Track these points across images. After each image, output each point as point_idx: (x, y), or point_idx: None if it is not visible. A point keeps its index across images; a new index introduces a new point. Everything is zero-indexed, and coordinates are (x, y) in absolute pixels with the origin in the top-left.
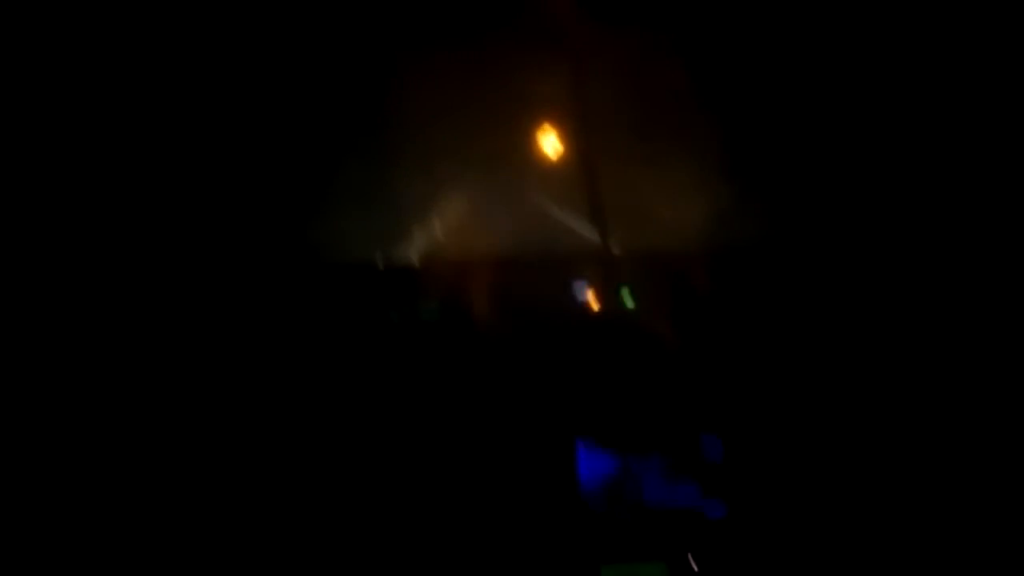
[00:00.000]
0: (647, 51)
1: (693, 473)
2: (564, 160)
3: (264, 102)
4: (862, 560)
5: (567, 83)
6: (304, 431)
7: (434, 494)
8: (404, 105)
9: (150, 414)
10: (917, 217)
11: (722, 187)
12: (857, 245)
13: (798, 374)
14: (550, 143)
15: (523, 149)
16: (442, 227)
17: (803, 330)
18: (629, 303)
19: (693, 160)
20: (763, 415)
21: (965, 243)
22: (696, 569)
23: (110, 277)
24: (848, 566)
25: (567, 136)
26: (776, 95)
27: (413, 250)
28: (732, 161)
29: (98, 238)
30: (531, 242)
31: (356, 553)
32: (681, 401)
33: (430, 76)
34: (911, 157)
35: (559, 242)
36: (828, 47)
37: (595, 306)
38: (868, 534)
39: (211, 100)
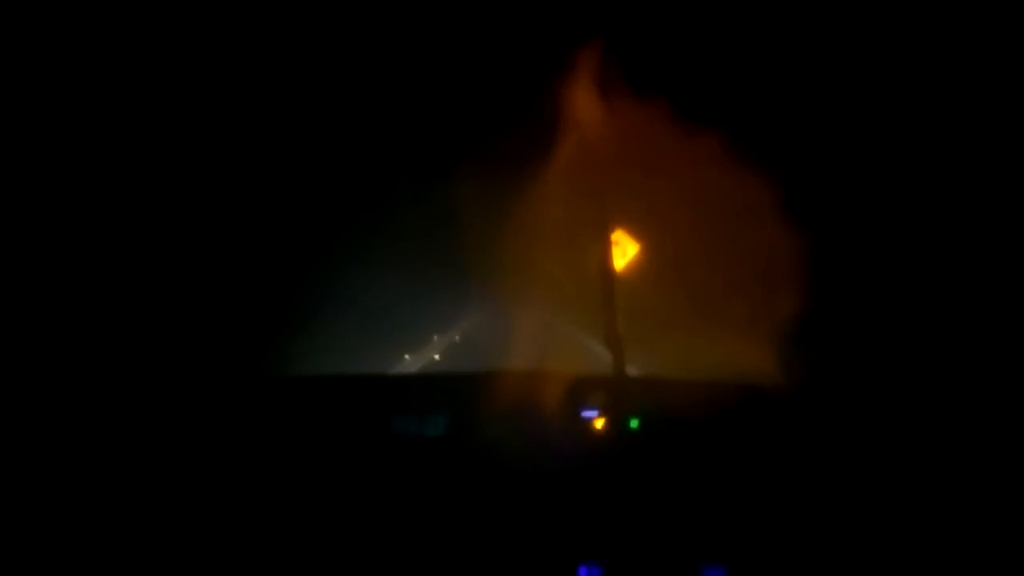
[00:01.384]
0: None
1: None
2: (587, 283)
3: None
4: None
5: (593, 205)
6: (304, 542)
7: None
8: (432, 221)
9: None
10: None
11: (743, 324)
12: (863, 392)
13: (804, 509)
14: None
15: (548, 268)
16: (456, 340)
17: (811, 467)
18: (637, 428)
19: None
20: (768, 548)
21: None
22: None
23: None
24: None
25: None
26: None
27: (422, 361)
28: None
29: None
30: (546, 360)
31: None
32: (686, 530)
33: (458, 195)
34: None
35: (574, 363)
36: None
37: (604, 429)
38: None
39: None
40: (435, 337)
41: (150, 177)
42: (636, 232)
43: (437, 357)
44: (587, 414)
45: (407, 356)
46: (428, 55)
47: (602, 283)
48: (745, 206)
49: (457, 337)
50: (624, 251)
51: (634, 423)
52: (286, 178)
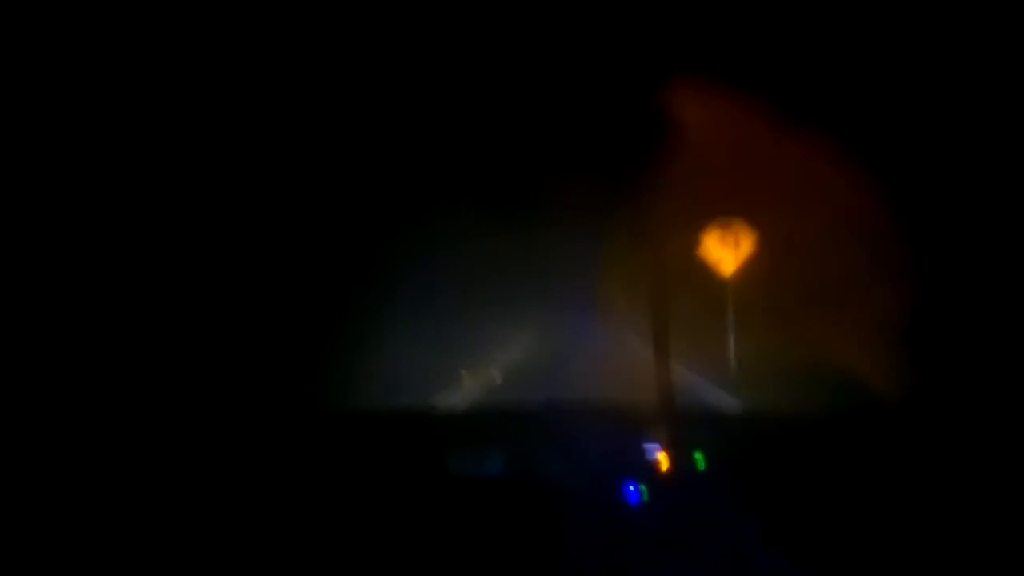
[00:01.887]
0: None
1: None
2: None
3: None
4: None
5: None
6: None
7: None
8: (480, 250)
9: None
10: None
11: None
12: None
13: (867, 548)
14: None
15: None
16: (510, 373)
17: (877, 505)
18: (700, 466)
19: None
20: None
21: None
22: None
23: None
24: None
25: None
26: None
27: (479, 396)
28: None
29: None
30: (602, 397)
31: None
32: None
33: (508, 223)
34: None
35: (636, 397)
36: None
37: (665, 468)
38: None
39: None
40: (495, 361)
41: (194, 204)
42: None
43: (497, 383)
44: (650, 449)
45: (464, 381)
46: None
47: (654, 301)
48: (858, 205)
49: (516, 361)
50: (737, 244)
51: (700, 462)
52: (337, 195)
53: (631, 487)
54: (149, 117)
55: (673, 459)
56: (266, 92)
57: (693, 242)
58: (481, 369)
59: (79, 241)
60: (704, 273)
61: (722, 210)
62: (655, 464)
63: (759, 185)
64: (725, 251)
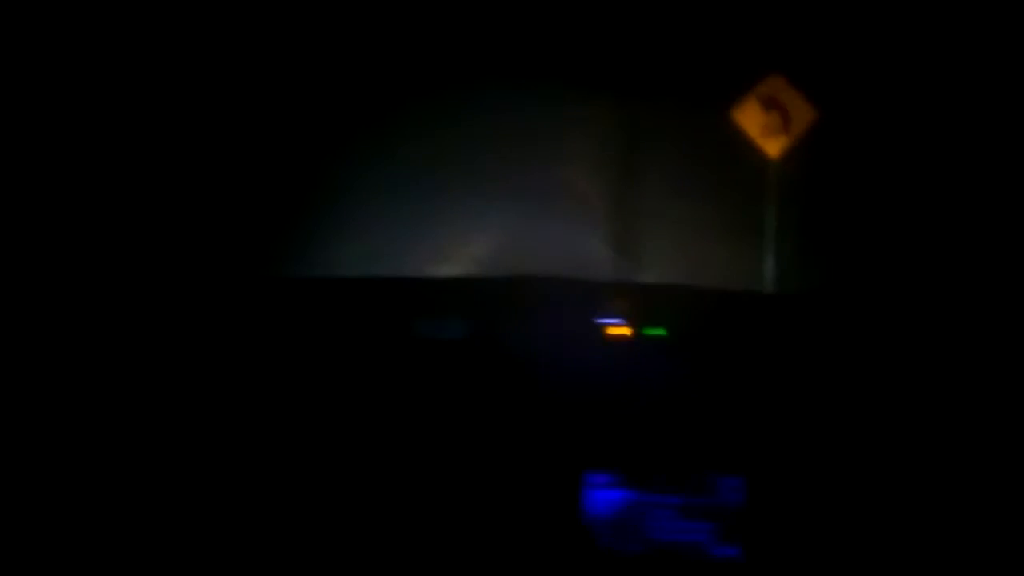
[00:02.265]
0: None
1: (709, 515)
2: (606, 187)
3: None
4: None
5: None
6: (310, 444)
7: (437, 521)
8: (446, 125)
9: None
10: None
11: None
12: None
13: (828, 423)
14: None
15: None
16: (475, 242)
17: (836, 380)
18: (657, 334)
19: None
20: (789, 461)
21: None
22: None
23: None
24: None
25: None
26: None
27: (443, 263)
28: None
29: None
30: (565, 266)
31: None
32: (703, 441)
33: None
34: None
35: (592, 269)
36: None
37: (621, 335)
38: None
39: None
40: (459, 232)
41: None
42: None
43: (469, 258)
44: (609, 321)
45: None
46: None
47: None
48: None
49: (484, 234)
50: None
51: (654, 332)
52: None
53: (590, 352)
54: None
55: (633, 325)
56: None
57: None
58: (451, 241)
59: None
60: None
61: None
62: (615, 330)
63: None
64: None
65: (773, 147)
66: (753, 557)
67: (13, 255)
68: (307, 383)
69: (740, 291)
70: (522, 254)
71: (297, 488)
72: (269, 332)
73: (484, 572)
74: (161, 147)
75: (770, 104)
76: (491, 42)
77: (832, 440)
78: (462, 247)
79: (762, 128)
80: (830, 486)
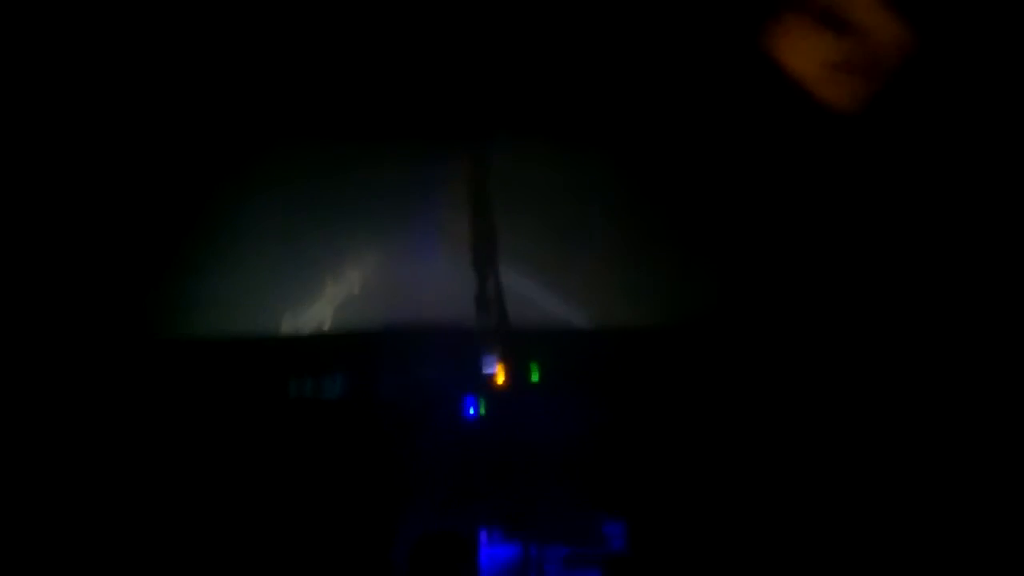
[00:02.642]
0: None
1: (596, 562)
2: (478, 231)
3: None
4: None
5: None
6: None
7: None
8: (317, 177)
9: None
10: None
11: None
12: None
13: (708, 459)
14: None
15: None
16: (347, 295)
17: (713, 413)
18: (535, 378)
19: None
20: (671, 503)
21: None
22: None
23: None
24: None
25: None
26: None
27: (317, 319)
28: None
29: None
30: (439, 315)
31: None
32: (586, 487)
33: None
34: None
35: (467, 316)
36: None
37: (501, 381)
38: None
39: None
40: (330, 287)
41: None
42: None
43: (334, 310)
44: (487, 367)
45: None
46: None
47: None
48: None
49: (355, 288)
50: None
51: (535, 375)
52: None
53: (469, 402)
54: None
55: (509, 372)
56: None
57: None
58: (322, 292)
59: None
60: None
61: None
62: (492, 378)
63: None
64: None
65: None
66: None
67: None
68: (181, 446)
69: (614, 327)
70: (396, 306)
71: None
72: (145, 396)
73: None
74: (29, 207)
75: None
76: (361, 95)
77: (715, 478)
78: (335, 302)
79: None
80: (714, 525)
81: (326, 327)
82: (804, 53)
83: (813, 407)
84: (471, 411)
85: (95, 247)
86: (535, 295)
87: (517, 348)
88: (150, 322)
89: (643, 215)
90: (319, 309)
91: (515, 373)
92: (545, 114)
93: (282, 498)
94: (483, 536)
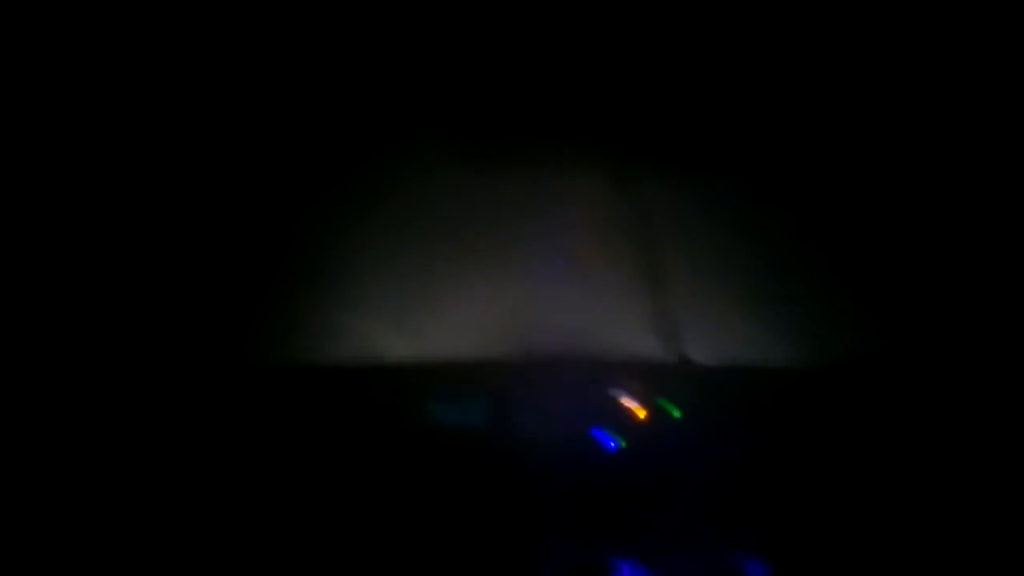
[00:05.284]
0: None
1: None
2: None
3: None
4: None
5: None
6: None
7: None
8: (447, 200)
9: None
10: None
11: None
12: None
13: (855, 502)
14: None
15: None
16: (483, 322)
17: (860, 455)
18: (677, 414)
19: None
20: (814, 544)
21: None
22: None
23: None
24: None
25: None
26: None
27: (452, 346)
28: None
29: None
30: (579, 345)
31: None
32: (728, 525)
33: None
34: None
35: (610, 348)
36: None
37: (643, 416)
38: None
39: None
40: (466, 314)
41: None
42: None
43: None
44: (627, 402)
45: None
46: None
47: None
48: None
49: (492, 315)
50: None
51: (676, 413)
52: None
53: (610, 439)
54: None
55: (649, 409)
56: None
57: None
58: (454, 318)
59: None
60: None
61: None
62: (632, 414)
63: None
64: None
65: None
66: None
67: None
68: (314, 474)
69: (755, 367)
70: (532, 334)
71: None
72: (277, 424)
73: None
74: (138, 229)
75: None
76: (490, 115)
77: (861, 522)
78: (469, 329)
79: None
80: (857, 570)
81: (458, 354)
82: None
83: (966, 451)
84: (612, 444)
85: (215, 267)
86: (674, 328)
87: (658, 383)
88: (283, 349)
89: (793, 249)
90: (450, 335)
91: (656, 407)
92: (696, 141)
93: (416, 529)
94: (626, 571)
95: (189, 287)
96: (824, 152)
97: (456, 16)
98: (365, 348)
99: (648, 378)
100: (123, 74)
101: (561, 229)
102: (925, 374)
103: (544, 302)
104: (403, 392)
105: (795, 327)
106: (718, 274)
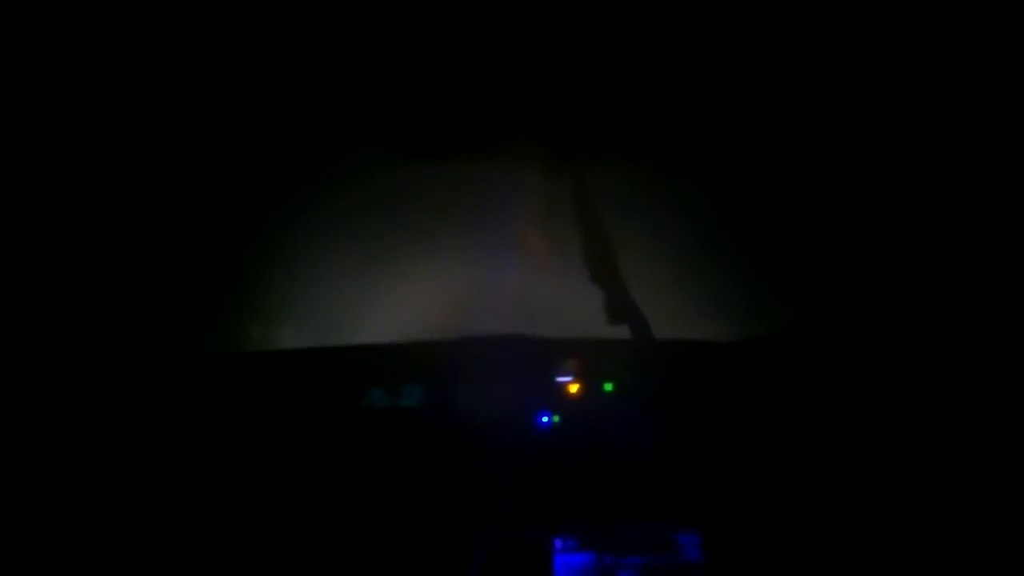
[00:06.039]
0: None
1: (671, 571)
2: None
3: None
4: None
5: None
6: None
7: None
8: (404, 178)
9: None
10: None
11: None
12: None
13: (783, 471)
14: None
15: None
16: (421, 305)
17: (788, 426)
18: (610, 390)
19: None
20: (745, 514)
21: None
22: None
23: None
24: None
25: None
26: None
27: (391, 329)
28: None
29: None
30: (512, 326)
31: None
32: (661, 497)
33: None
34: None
35: (543, 326)
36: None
37: (575, 391)
38: None
39: None
40: (404, 297)
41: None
42: None
43: (408, 320)
44: (561, 379)
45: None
46: None
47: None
48: None
49: (430, 298)
50: None
51: (608, 387)
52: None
53: (543, 415)
54: None
55: (583, 382)
56: None
57: None
58: (396, 302)
59: None
60: None
61: None
62: (566, 387)
63: None
64: None
65: None
66: None
67: None
68: (253, 457)
69: (690, 340)
70: (469, 315)
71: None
72: (218, 408)
73: None
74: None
75: None
76: (444, 101)
77: (789, 490)
78: (408, 312)
79: None
80: (788, 537)
81: (400, 337)
82: None
83: (895, 421)
84: (544, 419)
85: (158, 257)
86: (611, 307)
87: (591, 359)
88: (220, 334)
89: (723, 225)
90: (392, 319)
91: (589, 383)
92: (630, 126)
93: (356, 507)
94: (558, 544)
95: (130, 277)
96: (752, 127)
97: (408, 14)
98: (309, 334)
99: (583, 354)
100: (67, 67)
101: (502, 215)
102: (857, 346)
103: (484, 285)
104: (342, 375)
105: (729, 302)
106: (654, 251)
